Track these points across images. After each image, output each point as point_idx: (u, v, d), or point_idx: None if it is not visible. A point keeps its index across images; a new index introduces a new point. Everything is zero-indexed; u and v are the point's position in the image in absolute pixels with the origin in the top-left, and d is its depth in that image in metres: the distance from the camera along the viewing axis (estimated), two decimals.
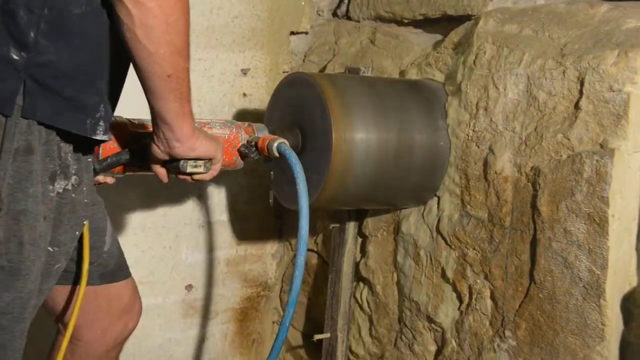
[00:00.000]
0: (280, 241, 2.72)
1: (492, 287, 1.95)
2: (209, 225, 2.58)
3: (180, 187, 2.48)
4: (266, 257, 2.71)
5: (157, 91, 1.40)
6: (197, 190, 2.54)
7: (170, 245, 2.52)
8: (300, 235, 1.66)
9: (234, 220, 2.62)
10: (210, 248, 2.59)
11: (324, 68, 2.54)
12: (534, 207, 1.84)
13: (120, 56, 1.42)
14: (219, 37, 2.49)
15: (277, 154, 1.79)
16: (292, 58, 2.65)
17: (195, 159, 1.58)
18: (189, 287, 2.57)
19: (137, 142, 1.66)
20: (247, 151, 1.81)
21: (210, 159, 1.62)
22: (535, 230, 1.84)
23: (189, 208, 2.54)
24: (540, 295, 1.82)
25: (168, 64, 1.37)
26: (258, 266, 2.70)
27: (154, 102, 1.43)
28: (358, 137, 1.94)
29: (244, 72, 2.55)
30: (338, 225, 2.35)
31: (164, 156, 1.55)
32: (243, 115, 2.55)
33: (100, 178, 1.71)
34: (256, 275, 2.70)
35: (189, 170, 1.59)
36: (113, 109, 1.48)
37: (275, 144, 1.78)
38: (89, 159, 1.50)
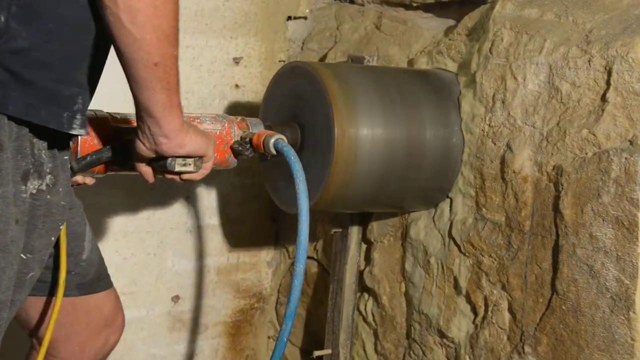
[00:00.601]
0: (276, 247, 2.72)
1: (510, 299, 1.95)
2: (197, 230, 2.58)
3: (166, 188, 2.48)
4: (261, 265, 2.71)
5: (143, 81, 1.40)
6: (185, 192, 2.54)
7: (154, 251, 2.52)
8: (300, 240, 1.66)
9: (226, 224, 2.62)
10: (199, 255, 2.59)
11: (325, 56, 2.54)
12: (556, 209, 1.84)
13: (100, 42, 1.41)
14: (208, 22, 2.49)
15: (274, 151, 1.79)
16: (289, 45, 2.65)
17: (185, 157, 1.58)
18: (175, 298, 2.57)
19: (120, 138, 1.66)
20: (240, 148, 1.81)
21: (200, 157, 1.61)
22: (557, 235, 1.83)
23: (176, 211, 2.54)
24: (563, 308, 1.82)
25: (155, 51, 1.37)
26: (252, 275, 2.70)
27: (139, 93, 1.43)
28: (363, 133, 1.94)
29: (236, 61, 2.55)
30: (340, 230, 2.35)
31: (149, 153, 1.55)
32: (235, 109, 2.55)
33: (79, 178, 1.71)
34: (250, 285, 2.70)
35: (178, 169, 1.58)
36: (90, 100, 1.48)
37: (272, 140, 1.78)
38: (65, 157, 1.49)
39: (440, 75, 2.14)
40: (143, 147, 1.53)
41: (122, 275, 2.44)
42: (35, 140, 1.42)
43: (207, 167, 1.65)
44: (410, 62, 2.28)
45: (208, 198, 2.58)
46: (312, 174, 1.88)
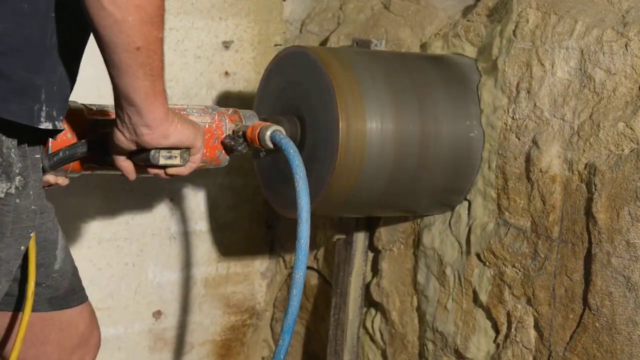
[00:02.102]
0: (271, 257, 2.73)
1: (536, 314, 1.95)
2: (182, 237, 2.58)
3: (146, 188, 2.48)
4: (254, 276, 2.71)
5: (124, 66, 1.41)
6: (168, 194, 2.55)
7: (133, 261, 2.52)
8: (300, 244, 1.67)
9: (214, 230, 2.62)
10: (184, 265, 2.60)
11: (326, 40, 2.54)
12: (588, 213, 1.84)
13: (78, 25, 1.42)
14: (194, 0, 2.49)
15: (270, 145, 1.79)
16: (286, 27, 2.65)
17: (170, 149, 1.59)
18: (157, 314, 2.58)
19: (96, 131, 1.67)
20: (233, 143, 1.81)
21: (187, 148, 1.62)
22: (590, 242, 1.84)
23: (158, 215, 2.54)
24: (597, 325, 1.83)
25: (137, 33, 1.38)
26: (244, 288, 2.70)
27: (119, 80, 1.44)
28: (371, 127, 1.94)
29: (226, 45, 2.56)
30: (344, 236, 2.35)
31: (130, 145, 1.55)
32: (225, 99, 2.55)
33: (51, 178, 1.71)
34: (241, 299, 2.70)
35: (162, 162, 1.59)
36: (69, 92, 1.48)
37: (269, 132, 1.79)
38: (37, 156, 1.50)
39: (458, 61, 2.15)
40: (123, 138, 1.54)
41: (97, 288, 2.44)
42: (4, 137, 1.42)
43: (195, 160, 1.66)
44: (424, 46, 2.28)
45: (194, 201, 2.58)
46: (314, 173, 1.88)
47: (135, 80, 1.43)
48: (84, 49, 1.49)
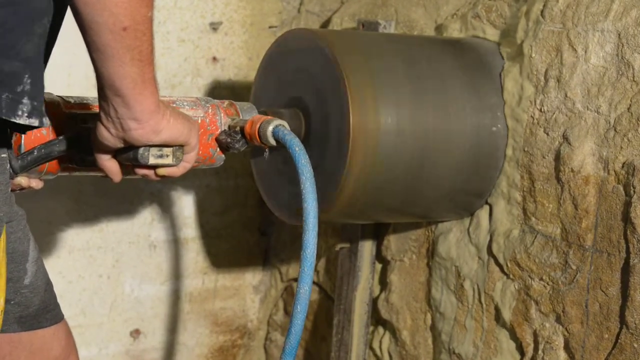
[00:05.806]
0: (265, 268, 2.73)
1: (566, 334, 1.96)
2: (164, 245, 2.59)
3: (123, 190, 2.48)
4: (245, 290, 2.71)
5: (108, 50, 1.41)
6: (148, 196, 2.55)
7: (108, 273, 2.53)
8: (305, 255, 1.67)
9: (201, 237, 2.63)
10: (166, 277, 2.60)
11: (328, 21, 2.54)
12: (626, 219, 1.85)
13: (53, 1, 1.43)
14: None
15: (273, 142, 1.79)
16: (283, 7, 2.65)
17: (161, 146, 1.59)
18: (135, 333, 2.58)
19: (76, 127, 1.67)
20: (229, 140, 1.81)
21: (181, 146, 1.63)
22: (628, 252, 1.85)
23: (136, 221, 2.55)
24: (635, 345, 1.84)
25: (124, 11, 1.38)
26: (234, 303, 2.70)
27: (103, 66, 1.44)
28: (385, 121, 1.95)
29: (214, 26, 2.56)
30: (348, 245, 2.35)
31: (115, 143, 1.55)
32: (213, 89, 2.55)
33: (23, 181, 1.71)
34: (231, 317, 2.70)
35: (152, 161, 1.59)
36: (42, 81, 1.49)
37: (270, 128, 1.79)
38: (3, 155, 1.50)
39: (478, 45, 2.15)
40: (107, 135, 1.54)
41: (67, 304, 2.43)
42: None
43: (189, 160, 1.66)
44: (439, 28, 2.29)
45: (178, 204, 2.59)
46: (320, 175, 1.87)
47: (122, 67, 1.43)
48: (58, 31, 1.49)
